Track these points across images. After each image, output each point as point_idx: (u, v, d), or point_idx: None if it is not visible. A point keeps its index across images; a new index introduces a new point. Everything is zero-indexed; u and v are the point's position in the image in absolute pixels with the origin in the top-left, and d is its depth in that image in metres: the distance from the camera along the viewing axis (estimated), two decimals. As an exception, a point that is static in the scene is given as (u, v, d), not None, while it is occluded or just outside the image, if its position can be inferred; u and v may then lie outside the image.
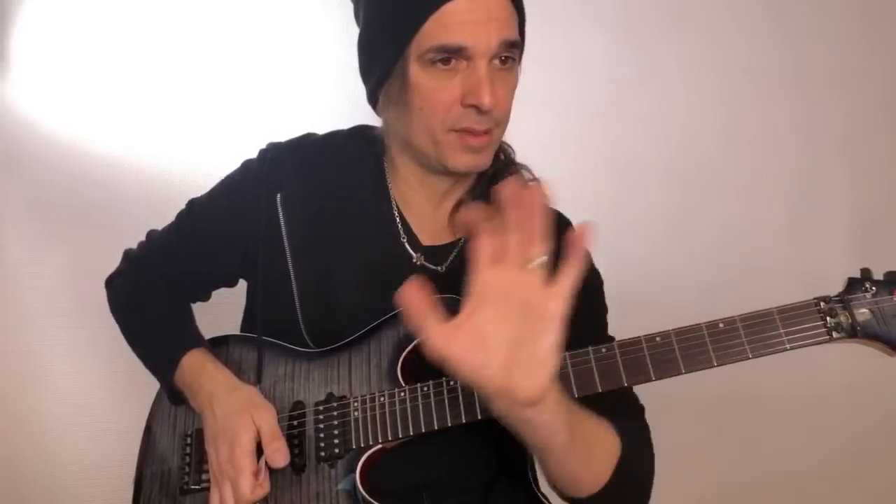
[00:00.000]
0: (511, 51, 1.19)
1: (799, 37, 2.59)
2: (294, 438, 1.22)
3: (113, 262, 1.51)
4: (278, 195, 1.33)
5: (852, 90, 2.60)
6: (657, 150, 2.54)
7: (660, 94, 2.54)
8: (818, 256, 2.44)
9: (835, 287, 1.08)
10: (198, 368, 1.28)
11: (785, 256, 2.52)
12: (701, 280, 2.47)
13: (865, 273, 1.07)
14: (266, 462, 1.17)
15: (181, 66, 2.39)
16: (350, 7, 1.30)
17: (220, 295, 1.52)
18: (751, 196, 2.57)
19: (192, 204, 1.46)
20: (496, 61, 1.17)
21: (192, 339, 1.35)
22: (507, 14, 1.17)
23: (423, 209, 1.35)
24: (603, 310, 1.40)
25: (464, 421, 1.14)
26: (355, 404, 1.20)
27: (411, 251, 1.32)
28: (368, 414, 1.19)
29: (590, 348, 1.11)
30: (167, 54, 2.38)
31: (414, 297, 0.86)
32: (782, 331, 1.05)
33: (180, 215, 1.46)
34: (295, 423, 1.24)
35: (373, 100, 1.29)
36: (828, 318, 1.04)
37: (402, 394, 1.18)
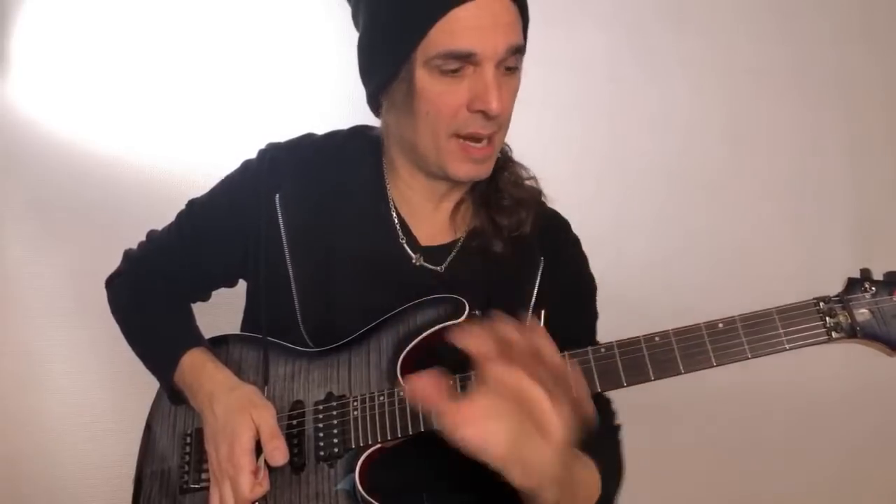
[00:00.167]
0: (516, 56, 1.19)
1: (800, 37, 2.59)
2: (293, 438, 1.22)
3: (113, 262, 1.51)
4: (277, 195, 1.33)
5: (853, 90, 2.60)
6: (658, 150, 2.54)
7: (660, 95, 2.55)
8: (818, 257, 2.44)
9: (835, 287, 1.08)
10: (198, 368, 1.29)
11: (785, 257, 2.52)
12: (701, 280, 2.47)
13: (865, 273, 1.06)
14: (265, 461, 1.17)
15: (181, 67, 2.39)
16: (349, 8, 1.30)
17: (220, 295, 1.52)
18: (751, 196, 2.57)
19: (192, 204, 1.46)
20: (502, 66, 1.17)
21: (192, 338, 1.36)
22: (513, 18, 1.17)
23: (422, 210, 1.35)
24: (593, 316, 1.41)
25: (463, 420, 1.14)
26: (355, 404, 1.20)
27: (410, 252, 1.32)
28: (368, 413, 1.19)
29: (589, 348, 1.11)
30: (167, 54, 2.39)
31: (427, 391, 0.89)
32: (782, 331, 1.05)
33: (180, 215, 1.46)
34: (294, 422, 1.24)
35: (373, 103, 1.29)
36: (827, 319, 1.04)
37: (402, 393, 1.18)
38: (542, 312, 1.31)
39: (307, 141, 1.41)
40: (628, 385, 1.10)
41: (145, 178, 2.35)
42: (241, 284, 1.46)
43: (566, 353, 1.11)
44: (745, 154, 2.58)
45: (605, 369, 1.09)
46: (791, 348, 1.05)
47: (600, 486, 1.16)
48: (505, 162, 1.34)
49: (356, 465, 1.17)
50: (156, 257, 1.46)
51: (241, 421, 1.18)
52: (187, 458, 1.31)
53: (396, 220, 1.34)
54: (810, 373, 2.37)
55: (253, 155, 1.40)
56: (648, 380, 1.09)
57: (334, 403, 1.22)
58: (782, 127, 2.59)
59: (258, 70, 2.40)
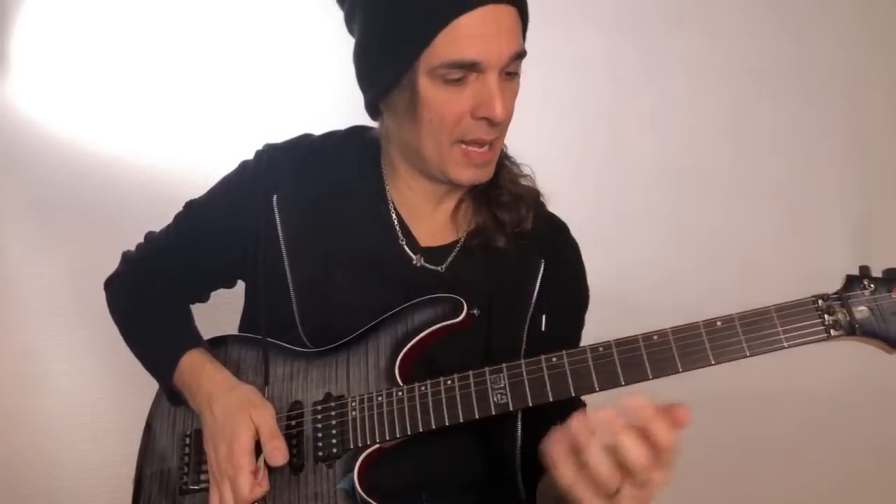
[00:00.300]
0: (518, 61, 1.19)
1: (800, 37, 2.59)
2: (292, 438, 1.22)
3: (113, 262, 1.51)
4: (275, 196, 1.32)
5: (853, 90, 2.61)
6: (658, 150, 2.54)
7: (660, 95, 2.55)
8: (818, 257, 2.44)
9: (835, 287, 1.07)
10: (196, 369, 1.29)
11: (785, 257, 2.52)
12: (701, 280, 2.47)
13: (864, 270, 1.06)
14: (265, 461, 1.17)
15: (181, 67, 2.39)
16: (343, 11, 1.30)
17: (219, 295, 1.52)
18: (751, 196, 2.57)
19: (190, 205, 1.46)
20: (503, 72, 1.17)
21: (191, 339, 1.36)
22: (515, 24, 1.17)
23: (421, 210, 1.35)
24: (581, 325, 1.41)
25: (461, 420, 1.14)
26: (353, 404, 1.20)
27: (410, 253, 1.33)
28: (366, 414, 1.19)
29: (587, 347, 1.11)
30: (167, 55, 2.39)
31: None
32: (780, 329, 1.04)
33: (178, 217, 1.47)
34: (293, 423, 1.24)
35: (372, 108, 1.28)
36: (826, 316, 1.04)
37: (400, 393, 1.18)
38: (544, 318, 1.31)
39: (305, 141, 1.40)
40: (626, 384, 1.09)
41: (145, 178, 2.35)
42: (240, 285, 1.46)
43: (563, 352, 1.11)
44: (746, 154, 2.58)
45: (604, 368, 1.09)
46: (790, 346, 1.04)
47: None
48: (501, 159, 1.33)
49: (355, 465, 1.17)
50: (154, 259, 1.46)
51: (241, 421, 1.18)
52: (186, 459, 1.31)
53: (396, 221, 1.34)
54: (810, 373, 2.37)
55: (252, 155, 1.40)
56: (647, 379, 1.08)
57: (333, 404, 1.22)
58: (782, 126, 2.59)
59: (258, 70, 2.40)
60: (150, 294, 1.44)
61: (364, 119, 1.35)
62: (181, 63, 2.38)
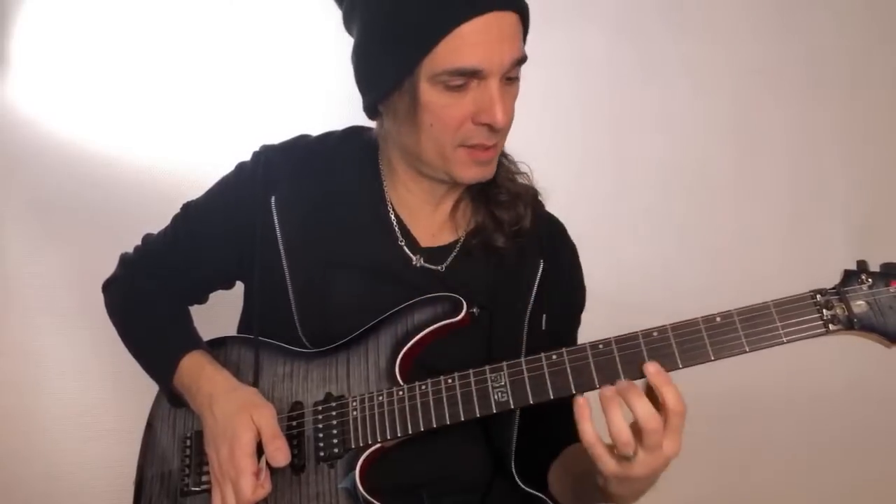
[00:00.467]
0: (519, 66, 1.19)
1: (800, 37, 2.59)
2: (293, 439, 1.22)
3: (112, 263, 1.51)
4: (273, 197, 1.32)
5: (852, 90, 2.61)
6: (658, 150, 2.54)
7: (660, 95, 2.55)
8: (818, 257, 2.43)
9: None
10: (196, 370, 1.28)
11: (785, 257, 2.53)
12: (701, 280, 2.48)
13: (861, 265, 1.06)
14: (267, 462, 1.17)
15: (181, 67, 2.39)
16: (342, 11, 1.30)
17: (218, 296, 1.52)
18: (751, 196, 2.58)
19: (188, 207, 1.46)
20: (504, 77, 1.17)
21: (190, 341, 1.35)
22: (516, 31, 1.17)
23: (420, 211, 1.35)
24: (577, 326, 1.43)
25: (462, 419, 1.14)
26: (354, 404, 1.20)
27: (410, 253, 1.33)
28: (367, 413, 1.19)
29: (587, 343, 1.11)
30: (167, 55, 2.38)
31: None
32: (779, 324, 1.04)
33: (175, 218, 1.46)
34: (294, 423, 1.24)
35: (371, 110, 1.28)
36: (824, 311, 1.04)
37: (401, 393, 1.18)
38: (544, 317, 1.31)
39: (302, 142, 1.40)
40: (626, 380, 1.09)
41: (145, 179, 2.35)
42: (239, 286, 1.46)
43: (564, 349, 1.11)
44: (746, 154, 2.58)
45: (603, 365, 1.09)
46: (789, 341, 1.04)
47: None
48: (499, 157, 1.33)
49: (356, 464, 1.17)
50: (152, 261, 1.46)
51: (242, 422, 1.18)
52: (187, 460, 1.31)
53: (395, 222, 1.34)
54: (810, 369, 2.37)
55: (249, 156, 1.40)
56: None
57: (333, 404, 1.22)
58: (782, 126, 2.59)
59: (257, 70, 2.40)
60: (149, 296, 1.44)
61: (363, 119, 1.34)
62: (181, 63, 2.38)
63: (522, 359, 1.13)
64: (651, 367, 1.04)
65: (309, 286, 1.30)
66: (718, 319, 1.07)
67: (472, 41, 1.12)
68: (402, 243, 1.33)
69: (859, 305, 1.03)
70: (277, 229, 1.31)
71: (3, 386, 2.34)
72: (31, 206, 2.36)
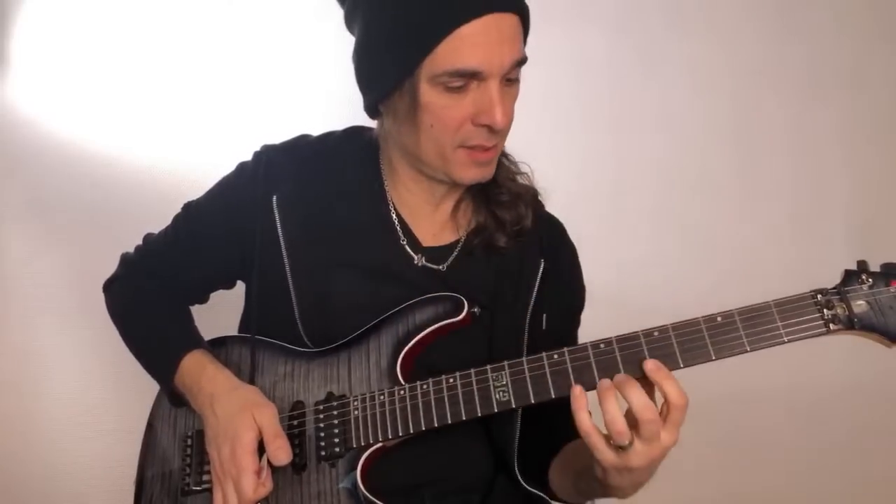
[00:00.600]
0: (519, 68, 1.19)
1: (800, 37, 2.59)
2: (294, 438, 1.22)
3: (113, 263, 1.51)
4: (274, 197, 1.32)
5: (852, 90, 2.61)
6: (658, 150, 2.54)
7: (660, 95, 2.55)
8: (818, 257, 2.44)
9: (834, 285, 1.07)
10: (198, 370, 1.28)
11: (785, 257, 2.53)
12: (701, 280, 2.48)
13: (862, 265, 1.06)
14: (268, 461, 1.17)
15: (181, 67, 2.39)
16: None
17: (219, 296, 1.52)
18: (751, 196, 2.58)
19: (188, 207, 1.46)
20: (504, 79, 1.17)
21: (192, 340, 1.35)
22: (516, 32, 1.17)
23: (421, 210, 1.35)
24: (577, 326, 1.43)
25: (464, 418, 1.14)
26: (355, 403, 1.21)
27: (411, 253, 1.33)
28: (368, 413, 1.19)
29: (588, 343, 1.11)
30: (167, 55, 2.39)
31: None
32: (780, 324, 1.04)
33: (176, 218, 1.46)
34: (295, 422, 1.24)
35: (372, 109, 1.28)
36: (825, 311, 1.04)
37: (402, 392, 1.18)
38: (544, 317, 1.32)
39: (303, 142, 1.40)
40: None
41: (145, 179, 2.35)
42: (240, 285, 1.46)
43: (565, 349, 1.12)
44: (746, 154, 2.58)
45: (605, 365, 1.09)
46: (789, 341, 1.04)
47: None
48: (499, 157, 1.34)
49: (357, 464, 1.17)
50: (153, 260, 1.46)
51: (243, 421, 1.17)
52: (188, 459, 1.31)
53: (396, 222, 1.34)
54: (810, 370, 2.38)
55: (250, 156, 1.40)
56: (648, 374, 1.09)
57: (335, 403, 1.22)
58: (783, 126, 2.59)
59: (257, 70, 2.40)
60: (150, 296, 1.44)
61: (363, 119, 1.35)
62: (181, 63, 2.38)
63: (524, 358, 1.14)
64: (650, 365, 1.05)
65: (310, 286, 1.30)
66: (719, 319, 1.07)
67: (471, 42, 1.12)
68: (404, 242, 1.33)
69: (860, 305, 1.04)
70: (279, 229, 1.31)
71: (3, 386, 2.34)
72: (31, 206, 2.36)
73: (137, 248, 1.50)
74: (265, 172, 1.35)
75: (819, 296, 1.05)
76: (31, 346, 2.34)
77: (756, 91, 2.58)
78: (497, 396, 1.13)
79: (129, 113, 2.37)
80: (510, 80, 1.19)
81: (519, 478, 1.29)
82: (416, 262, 1.32)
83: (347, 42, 1.27)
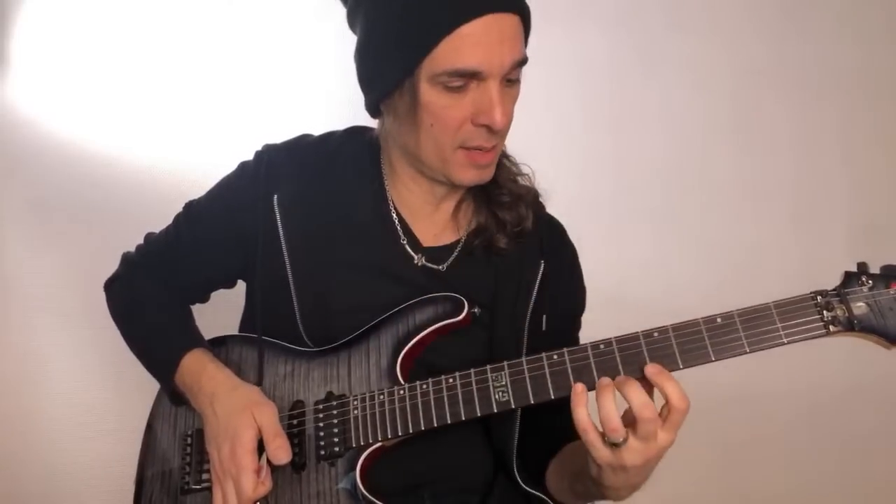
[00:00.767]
0: (519, 68, 1.19)
1: (800, 36, 2.59)
2: (294, 437, 1.22)
3: (113, 262, 1.51)
4: (275, 196, 1.32)
5: (852, 90, 2.61)
6: (658, 150, 2.54)
7: (661, 94, 2.55)
8: (818, 257, 2.45)
9: (835, 286, 1.07)
10: (198, 369, 1.29)
11: (785, 257, 2.53)
12: (701, 280, 2.48)
13: (862, 267, 1.06)
14: (268, 460, 1.17)
15: (181, 67, 2.39)
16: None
17: (219, 295, 1.52)
18: (751, 196, 2.58)
19: (189, 206, 1.46)
20: (504, 79, 1.17)
21: (192, 339, 1.36)
22: (517, 32, 1.17)
23: (422, 211, 1.35)
24: (578, 327, 1.43)
25: (463, 418, 1.14)
26: (355, 403, 1.21)
27: (412, 252, 1.33)
28: (368, 412, 1.19)
29: (588, 344, 1.12)
30: (167, 55, 2.39)
31: None
32: (779, 325, 1.04)
33: (177, 218, 1.46)
34: (295, 422, 1.24)
35: (373, 108, 1.28)
36: (824, 312, 1.04)
37: (402, 392, 1.18)
38: (544, 318, 1.32)
39: (304, 142, 1.40)
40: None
41: (145, 178, 2.35)
42: (241, 285, 1.46)
43: (565, 349, 1.12)
44: (746, 153, 2.58)
45: (604, 365, 1.09)
46: (789, 342, 1.05)
47: None
48: (500, 158, 1.34)
49: (357, 463, 1.17)
50: (153, 260, 1.46)
51: (243, 420, 1.18)
52: (188, 458, 1.31)
53: (397, 221, 1.34)
54: (811, 372, 2.38)
55: (251, 156, 1.40)
56: (647, 374, 1.09)
57: (334, 403, 1.22)
58: (783, 126, 2.59)
59: (257, 70, 2.40)
60: (151, 295, 1.44)
61: (364, 119, 1.35)
62: (181, 63, 2.38)
63: (524, 358, 1.14)
64: (651, 369, 1.05)
65: (311, 285, 1.30)
66: (719, 320, 1.07)
67: (472, 42, 1.12)
68: (404, 242, 1.33)
69: (859, 307, 1.04)
70: (280, 228, 1.31)
71: (3, 386, 2.34)
72: (31, 206, 2.36)
73: (138, 248, 1.50)
74: (266, 172, 1.35)
75: (819, 297, 1.05)
76: (31, 346, 2.34)
77: (757, 91, 2.58)
78: (496, 397, 1.13)
79: (129, 113, 2.37)
80: (510, 81, 1.19)
81: (518, 478, 1.29)
82: (416, 262, 1.32)
83: (348, 42, 1.27)
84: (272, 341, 1.31)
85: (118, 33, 2.37)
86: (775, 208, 2.59)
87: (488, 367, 1.14)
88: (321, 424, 1.22)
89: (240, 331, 1.43)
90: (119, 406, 2.30)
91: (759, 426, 2.55)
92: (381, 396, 1.19)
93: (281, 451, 1.16)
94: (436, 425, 1.15)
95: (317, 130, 1.43)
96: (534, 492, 1.31)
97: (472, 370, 1.15)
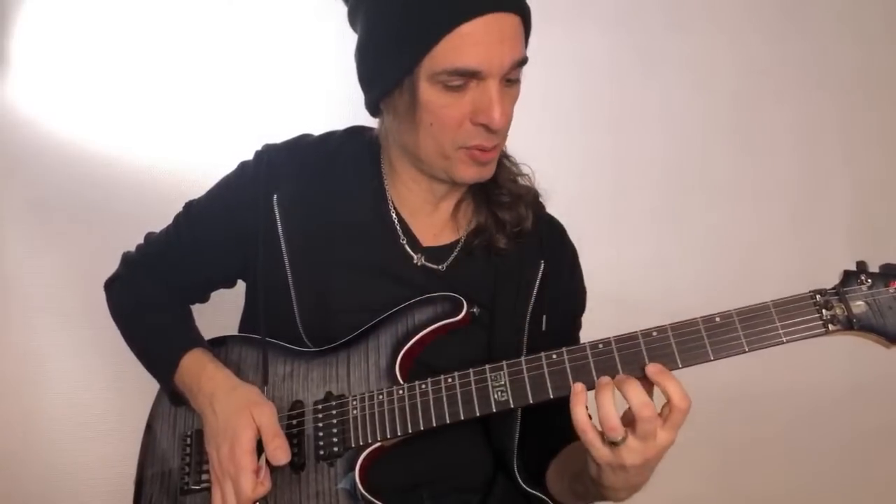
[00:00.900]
0: (519, 68, 1.19)
1: (800, 36, 2.59)
2: (293, 437, 1.22)
3: (113, 262, 1.51)
4: (275, 196, 1.32)
5: (852, 90, 2.61)
6: (658, 149, 2.54)
7: (661, 94, 2.55)
8: (818, 258, 2.44)
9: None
10: (197, 369, 1.29)
11: (785, 258, 2.53)
12: (701, 280, 2.48)
13: (861, 266, 1.06)
14: (267, 460, 1.17)
15: (181, 67, 2.39)
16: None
17: (219, 295, 1.52)
18: (751, 196, 2.58)
19: (189, 206, 1.46)
20: (504, 79, 1.17)
21: (192, 339, 1.36)
22: (517, 32, 1.17)
23: (421, 210, 1.35)
24: (578, 328, 1.43)
25: (462, 418, 1.14)
26: (354, 403, 1.21)
27: (411, 252, 1.33)
28: (367, 412, 1.19)
29: (587, 343, 1.11)
30: (167, 55, 2.38)
31: None
32: (778, 324, 1.04)
33: (177, 218, 1.46)
34: (294, 422, 1.24)
35: (373, 107, 1.28)
36: (823, 311, 1.04)
37: (401, 392, 1.18)
38: (544, 318, 1.32)
39: (304, 142, 1.40)
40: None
41: (145, 178, 2.35)
42: (240, 285, 1.46)
43: (564, 349, 1.12)
44: (746, 153, 2.58)
45: (603, 365, 1.09)
46: (788, 341, 1.04)
47: None
48: (500, 158, 1.33)
49: (356, 463, 1.17)
50: (154, 260, 1.46)
51: (242, 420, 1.18)
52: (187, 459, 1.31)
53: (396, 221, 1.34)
54: (811, 372, 2.38)
55: (251, 155, 1.40)
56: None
57: (333, 403, 1.22)
58: (783, 126, 2.59)
59: (257, 70, 2.40)
60: (151, 295, 1.44)
61: (364, 119, 1.35)
62: (181, 63, 2.38)
63: (522, 358, 1.14)
64: (652, 369, 1.05)
65: (310, 285, 1.30)
66: (718, 319, 1.07)
67: (471, 41, 1.12)
68: (404, 242, 1.33)
69: (859, 306, 1.04)
70: (279, 228, 1.31)
71: (3, 386, 2.34)
72: (31, 206, 2.36)
73: (139, 248, 1.50)
74: (266, 171, 1.35)
75: (818, 296, 1.05)
76: (31, 346, 2.34)
77: (757, 91, 2.58)
78: (495, 396, 1.13)
79: (129, 113, 2.37)
80: (510, 81, 1.18)
81: (518, 478, 1.29)
82: (415, 261, 1.32)
83: (348, 41, 1.27)
84: (272, 341, 1.31)
85: (118, 33, 2.37)
86: (775, 208, 2.59)
87: (487, 366, 1.14)
88: (320, 424, 1.22)
89: (239, 331, 1.43)
90: (119, 406, 2.30)
91: (760, 427, 2.55)
92: (381, 396, 1.19)
93: (280, 452, 1.16)
94: (435, 425, 1.15)
95: (317, 130, 1.43)
96: (534, 492, 1.31)
97: (470, 370, 1.15)
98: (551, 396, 1.11)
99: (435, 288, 1.27)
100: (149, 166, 2.35)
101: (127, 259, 1.50)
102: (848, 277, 1.06)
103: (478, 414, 1.14)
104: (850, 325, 1.03)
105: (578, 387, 1.07)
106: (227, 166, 1.41)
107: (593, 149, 2.52)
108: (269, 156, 1.37)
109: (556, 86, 2.40)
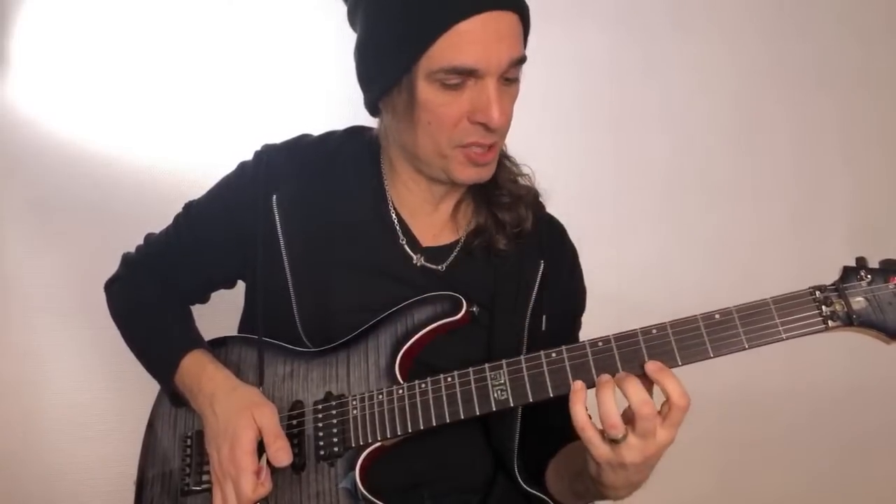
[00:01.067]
0: (518, 67, 1.19)
1: (800, 36, 2.59)
2: (294, 438, 1.22)
3: (113, 263, 1.51)
4: (274, 196, 1.32)
5: (853, 90, 2.61)
6: (659, 149, 2.54)
7: (661, 94, 2.55)
8: (818, 258, 2.43)
9: (834, 285, 1.07)
10: (198, 369, 1.29)
11: (785, 258, 2.52)
12: (701, 280, 2.48)
13: (861, 261, 1.06)
14: (268, 460, 1.17)
15: (181, 67, 2.39)
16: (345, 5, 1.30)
17: (219, 296, 1.52)
18: (751, 196, 2.58)
19: (189, 207, 1.46)
20: (503, 78, 1.17)
21: (192, 340, 1.35)
22: (516, 31, 1.17)
23: (421, 210, 1.35)
24: (578, 328, 1.43)
25: (462, 417, 1.14)
26: (354, 403, 1.21)
27: (411, 252, 1.32)
28: (367, 412, 1.19)
29: (586, 342, 1.11)
30: (167, 55, 2.38)
31: None
32: (778, 321, 1.04)
33: (177, 218, 1.46)
34: (294, 422, 1.24)
35: (372, 107, 1.28)
36: (823, 307, 1.04)
37: (401, 391, 1.18)
38: (544, 318, 1.32)
39: (303, 142, 1.40)
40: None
41: (145, 178, 2.35)
42: (240, 285, 1.46)
43: (563, 347, 1.12)
44: (747, 153, 2.58)
45: (603, 363, 1.09)
46: (788, 338, 1.04)
47: None
48: (501, 159, 1.33)
49: (356, 463, 1.17)
50: (154, 260, 1.46)
51: (243, 421, 1.18)
52: (188, 459, 1.31)
53: (396, 221, 1.34)
54: (812, 371, 2.37)
55: (251, 156, 1.40)
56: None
57: (334, 403, 1.22)
58: (784, 126, 2.59)
59: (257, 70, 2.40)
60: (150, 296, 1.44)
61: (364, 119, 1.35)
62: (181, 63, 2.38)
63: (522, 357, 1.14)
64: (652, 366, 1.05)
65: (310, 285, 1.30)
66: (717, 317, 1.07)
67: (469, 39, 1.12)
68: (403, 242, 1.33)
69: (858, 302, 1.04)
70: (279, 228, 1.31)
71: (3, 386, 2.34)
72: (31, 206, 2.36)
73: (139, 248, 1.50)
74: (265, 172, 1.35)
75: (818, 292, 1.05)
76: (31, 346, 2.34)
77: (757, 90, 2.58)
78: (495, 395, 1.13)
79: (129, 113, 2.37)
80: (509, 80, 1.18)
81: (518, 478, 1.29)
82: (415, 261, 1.32)
83: (348, 41, 1.27)
84: (271, 342, 1.31)
85: (118, 33, 2.37)
86: (775, 208, 2.59)
87: (486, 365, 1.14)
88: (320, 425, 1.22)
89: (239, 331, 1.43)
90: (119, 406, 2.30)
91: (760, 427, 2.55)
92: (381, 396, 1.19)
93: (282, 453, 1.16)
94: (435, 425, 1.15)
95: (317, 130, 1.43)
96: (534, 492, 1.30)
97: (470, 369, 1.15)
98: (551, 395, 1.11)
99: (434, 288, 1.27)
100: (149, 166, 2.35)
101: (127, 260, 1.50)
102: (847, 273, 1.06)
103: (478, 413, 1.13)
104: (850, 321, 1.03)
105: (578, 385, 1.07)
106: (227, 166, 1.42)
107: (593, 149, 2.52)
108: (269, 156, 1.37)
109: (556, 85, 2.40)
